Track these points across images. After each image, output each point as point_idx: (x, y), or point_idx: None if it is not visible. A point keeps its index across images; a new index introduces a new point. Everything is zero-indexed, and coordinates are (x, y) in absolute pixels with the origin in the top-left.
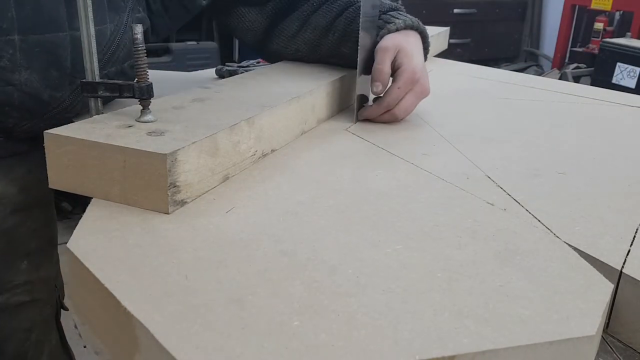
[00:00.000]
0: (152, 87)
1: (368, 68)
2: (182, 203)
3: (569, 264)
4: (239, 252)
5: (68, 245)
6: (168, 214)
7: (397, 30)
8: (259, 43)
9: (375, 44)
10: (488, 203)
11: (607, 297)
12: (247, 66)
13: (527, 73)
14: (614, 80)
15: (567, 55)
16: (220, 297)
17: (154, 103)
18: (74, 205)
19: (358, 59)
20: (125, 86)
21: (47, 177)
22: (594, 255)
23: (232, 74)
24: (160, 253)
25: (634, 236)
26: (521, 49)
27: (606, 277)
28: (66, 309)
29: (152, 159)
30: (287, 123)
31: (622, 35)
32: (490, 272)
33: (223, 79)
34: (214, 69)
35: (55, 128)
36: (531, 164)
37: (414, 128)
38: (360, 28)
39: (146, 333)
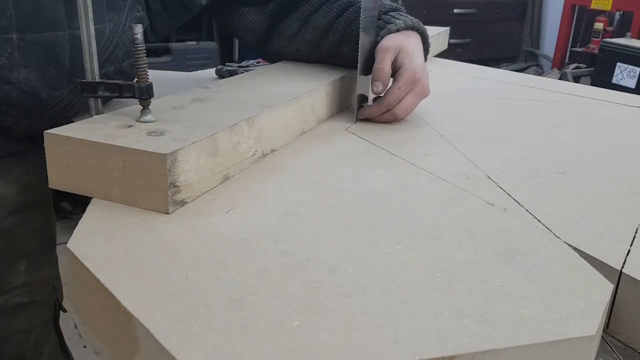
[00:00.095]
0: (152, 87)
1: (368, 68)
2: (182, 203)
3: (569, 264)
4: (239, 252)
5: (68, 245)
6: (168, 214)
7: (397, 30)
8: (259, 43)
9: (375, 44)
10: (488, 203)
11: (607, 297)
12: (247, 66)
13: (527, 73)
14: (614, 80)
15: (567, 55)
16: (220, 297)
17: (154, 103)
18: (74, 205)
19: (358, 59)
20: (125, 86)
21: (46, 177)
22: (594, 255)
23: (232, 74)
24: (160, 253)
25: (634, 236)
26: (521, 49)
27: (606, 277)
28: (64, 311)
29: (152, 159)
30: (287, 123)
31: (622, 35)
32: (490, 272)
33: (223, 79)
34: (214, 69)
35: (55, 128)
36: (531, 164)
37: (414, 128)
38: (360, 28)
39: (146, 333)
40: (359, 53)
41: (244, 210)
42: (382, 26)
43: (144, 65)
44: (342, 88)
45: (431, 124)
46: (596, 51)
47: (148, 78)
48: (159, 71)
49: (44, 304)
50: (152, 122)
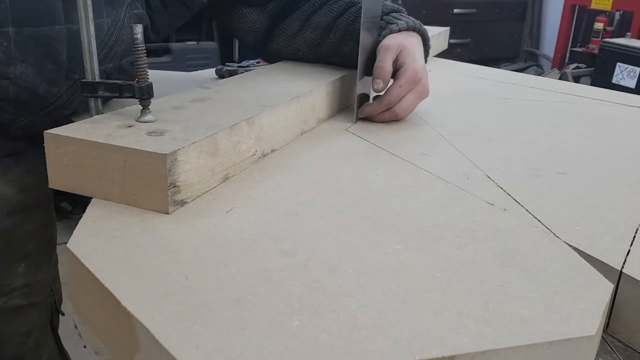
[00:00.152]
0: (152, 87)
1: (369, 68)
2: (182, 203)
3: (569, 264)
4: (239, 252)
5: (68, 245)
6: (168, 214)
7: (399, 31)
8: (259, 43)
9: (376, 44)
10: (488, 203)
11: (607, 297)
12: (247, 66)
13: (527, 73)
14: (614, 80)
15: (567, 55)
16: (220, 297)
17: (154, 103)
18: (74, 205)
19: (359, 58)
20: (125, 86)
21: (46, 178)
22: (594, 255)
23: (232, 74)
24: (160, 253)
25: (634, 236)
26: (521, 49)
27: (606, 277)
28: (62, 314)
29: (152, 159)
30: (287, 123)
31: (622, 35)
32: (490, 272)
33: (223, 79)
34: (214, 69)
35: (55, 128)
36: (531, 164)
37: (414, 128)
38: (361, 28)
39: (146, 333)
40: (359, 52)
41: (244, 210)
42: (383, 26)
43: (144, 65)
44: (342, 88)
45: (431, 123)
46: (596, 51)
47: (148, 78)
48: (159, 71)
49: (43, 306)
50: (152, 122)
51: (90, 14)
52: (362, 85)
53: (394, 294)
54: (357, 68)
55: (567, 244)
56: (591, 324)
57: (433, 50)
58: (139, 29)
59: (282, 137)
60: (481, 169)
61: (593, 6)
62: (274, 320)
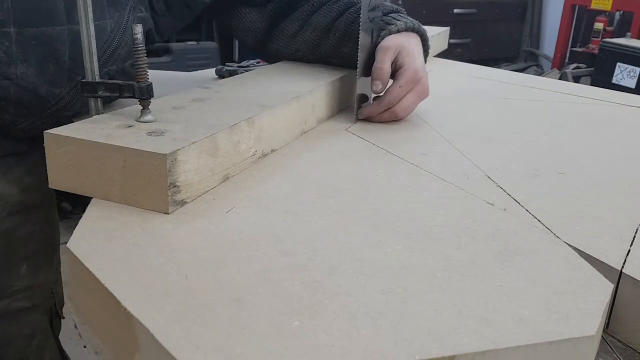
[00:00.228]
0: (152, 87)
1: (368, 68)
2: (182, 203)
3: (569, 264)
4: (239, 252)
5: (68, 245)
6: (168, 214)
7: (398, 31)
8: (259, 43)
9: (375, 44)
10: (488, 203)
11: (607, 297)
12: (247, 66)
13: (527, 73)
14: (614, 80)
15: (567, 55)
16: (220, 297)
17: (154, 103)
18: (74, 205)
19: (358, 59)
20: (125, 86)
21: (47, 178)
22: (594, 255)
23: (232, 74)
24: (160, 253)
25: (634, 236)
26: (521, 49)
27: (606, 277)
28: (62, 317)
29: (152, 159)
30: (287, 123)
31: (622, 35)
32: (490, 272)
33: (223, 79)
34: (214, 69)
35: (55, 128)
36: (531, 164)
37: (414, 128)
38: (360, 29)
39: (146, 333)
40: (359, 53)
41: (244, 210)
42: (382, 27)
43: (144, 65)
44: (342, 88)
45: (431, 124)
46: (596, 51)
47: (148, 78)
48: (159, 71)
49: (46, 309)
50: (152, 122)
51: (90, 14)
52: (362, 86)
53: (394, 294)
54: (356, 68)
55: (567, 244)
56: (591, 324)
57: (433, 50)
58: (138, 29)
59: (282, 137)
60: (481, 169)
61: (593, 6)
62: (274, 320)
